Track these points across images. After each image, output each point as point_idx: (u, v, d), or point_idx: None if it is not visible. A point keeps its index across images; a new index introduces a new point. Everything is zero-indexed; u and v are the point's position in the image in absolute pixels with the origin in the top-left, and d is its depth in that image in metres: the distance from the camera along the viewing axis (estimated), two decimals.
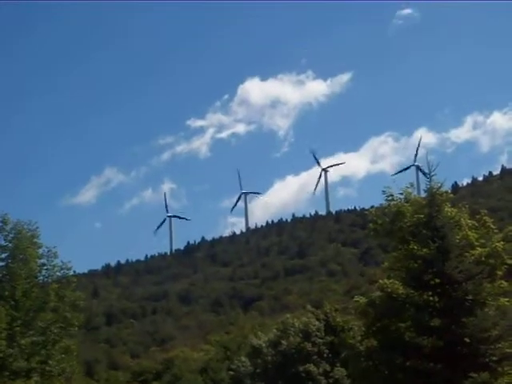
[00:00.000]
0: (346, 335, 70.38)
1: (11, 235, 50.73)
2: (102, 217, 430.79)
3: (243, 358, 78.58)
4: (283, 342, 73.21)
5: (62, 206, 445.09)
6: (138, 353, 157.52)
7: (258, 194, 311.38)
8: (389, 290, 40.50)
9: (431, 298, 38.80)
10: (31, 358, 47.88)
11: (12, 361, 46.81)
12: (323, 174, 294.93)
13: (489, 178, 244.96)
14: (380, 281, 41.44)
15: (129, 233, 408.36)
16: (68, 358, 49.87)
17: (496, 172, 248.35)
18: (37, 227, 51.35)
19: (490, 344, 37.76)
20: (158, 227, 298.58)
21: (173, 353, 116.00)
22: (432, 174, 41.56)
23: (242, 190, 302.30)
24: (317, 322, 73.34)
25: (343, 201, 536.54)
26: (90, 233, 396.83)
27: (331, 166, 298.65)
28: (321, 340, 71.90)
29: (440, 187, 41.61)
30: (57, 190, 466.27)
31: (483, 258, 40.05)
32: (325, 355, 71.33)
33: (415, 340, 38.18)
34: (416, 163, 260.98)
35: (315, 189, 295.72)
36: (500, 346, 37.74)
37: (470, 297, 38.60)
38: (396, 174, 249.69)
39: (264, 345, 75.81)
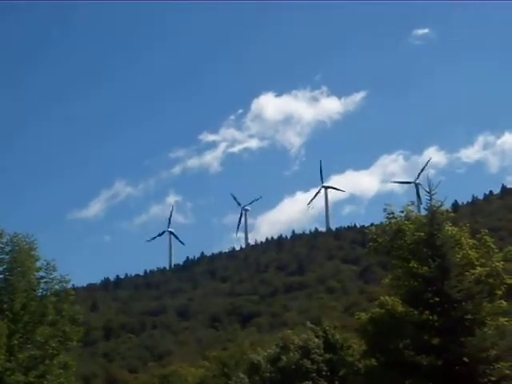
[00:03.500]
0: (345, 353, 70.19)
1: (8, 248, 50.51)
2: (108, 231, 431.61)
3: (241, 375, 78.22)
4: (283, 357, 72.91)
5: (70, 219, 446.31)
6: (135, 368, 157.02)
7: (258, 199, 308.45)
8: (389, 307, 40.47)
9: (430, 317, 38.77)
10: (29, 372, 47.61)
11: (10, 375, 46.57)
12: (323, 190, 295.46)
13: (489, 196, 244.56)
14: (381, 297, 41.43)
15: (130, 247, 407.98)
16: (66, 374, 49.59)
17: (496, 191, 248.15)
18: (34, 239, 51.03)
19: (488, 364, 37.67)
20: (154, 238, 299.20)
21: (170, 368, 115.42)
22: (432, 192, 41.62)
23: (241, 205, 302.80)
24: (316, 339, 73.07)
25: (349, 218, 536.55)
26: (91, 247, 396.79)
27: (333, 188, 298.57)
28: (320, 357, 71.59)
29: (440, 206, 41.62)
30: (67, 203, 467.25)
31: (483, 278, 40.02)
32: (323, 373, 70.98)
33: (414, 359, 38.09)
34: (416, 181, 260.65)
35: (310, 202, 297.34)
36: (499, 366, 37.63)
37: (470, 316, 38.56)
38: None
39: (263, 361, 75.53)
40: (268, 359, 75.48)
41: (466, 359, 37.04)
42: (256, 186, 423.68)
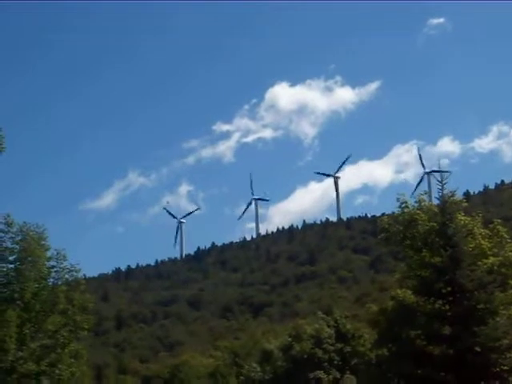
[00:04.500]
0: (357, 343, 70.26)
1: (18, 237, 50.55)
2: (120, 221, 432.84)
3: (254, 364, 78.50)
4: (295, 346, 73.12)
5: (81, 209, 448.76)
6: (147, 358, 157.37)
7: (267, 200, 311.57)
8: (400, 298, 40.41)
9: (442, 307, 38.63)
10: (41, 361, 47.77)
11: (22, 364, 46.74)
12: (334, 181, 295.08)
13: (500, 186, 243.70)
14: (392, 292, 41.40)
15: (142, 238, 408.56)
16: (77, 363, 49.74)
17: (508, 181, 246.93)
18: (44, 229, 51.08)
19: (500, 353, 37.52)
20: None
21: (182, 358, 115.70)
22: (444, 182, 41.41)
23: (253, 196, 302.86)
24: (328, 329, 73.18)
25: (362, 209, 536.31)
26: (102, 237, 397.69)
27: (338, 171, 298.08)
28: (332, 347, 71.70)
29: (452, 195, 41.43)
30: (80, 194, 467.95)
31: (495, 267, 39.93)
32: (335, 362, 71.13)
33: (426, 348, 37.99)
34: (427, 170, 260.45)
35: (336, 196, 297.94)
36: (511, 355, 37.50)
37: (482, 306, 38.37)
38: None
39: (275, 350, 75.79)
40: (280, 348, 75.77)
41: (478, 349, 36.91)
42: (269, 176, 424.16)
